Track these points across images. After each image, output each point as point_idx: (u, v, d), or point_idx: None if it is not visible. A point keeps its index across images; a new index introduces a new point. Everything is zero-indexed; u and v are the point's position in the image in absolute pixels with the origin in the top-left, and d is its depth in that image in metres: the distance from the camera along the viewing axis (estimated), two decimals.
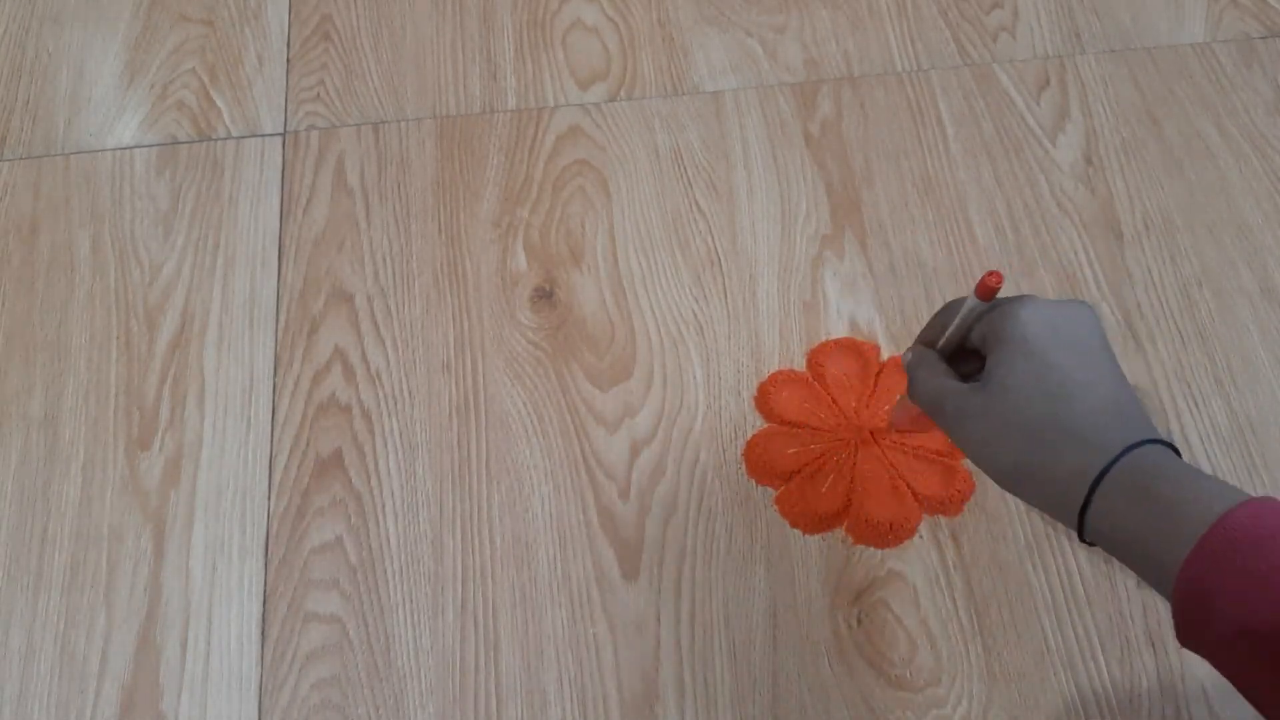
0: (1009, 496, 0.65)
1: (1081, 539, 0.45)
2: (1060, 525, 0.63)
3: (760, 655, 0.61)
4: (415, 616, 0.63)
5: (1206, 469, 0.65)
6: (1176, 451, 0.45)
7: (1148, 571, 0.43)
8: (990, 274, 0.46)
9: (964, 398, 0.48)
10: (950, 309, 0.52)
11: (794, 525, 0.64)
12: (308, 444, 0.67)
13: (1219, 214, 0.75)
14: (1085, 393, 0.45)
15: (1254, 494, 0.40)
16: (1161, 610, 0.62)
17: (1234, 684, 0.40)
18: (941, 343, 0.52)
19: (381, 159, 0.77)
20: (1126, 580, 0.63)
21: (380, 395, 0.69)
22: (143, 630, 0.62)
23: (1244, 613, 0.38)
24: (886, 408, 0.67)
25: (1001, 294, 0.49)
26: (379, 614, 0.63)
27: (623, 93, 0.80)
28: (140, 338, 0.71)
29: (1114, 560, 0.62)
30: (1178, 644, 0.43)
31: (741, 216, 0.75)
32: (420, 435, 0.67)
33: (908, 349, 0.54)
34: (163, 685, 0.61)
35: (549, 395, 0.69)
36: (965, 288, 0.72)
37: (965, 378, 0.51)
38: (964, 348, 0.52)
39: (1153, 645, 0.61)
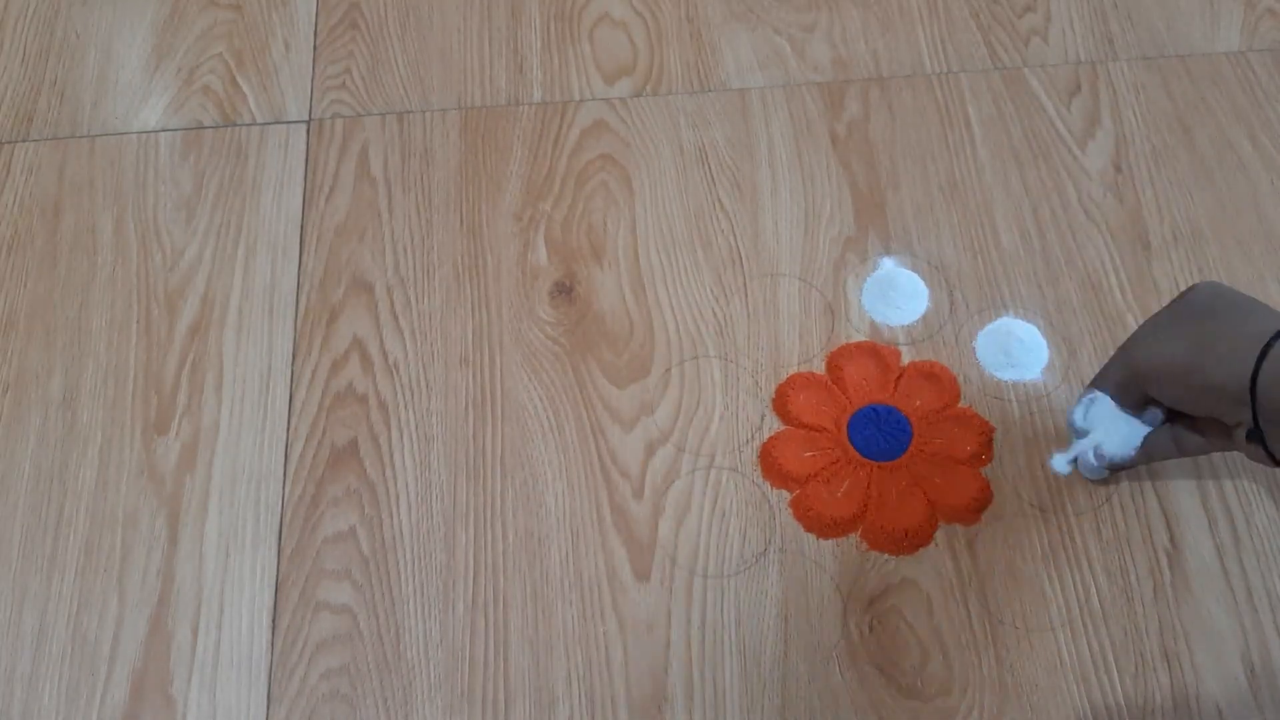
0: (1026, 505, 0.64)
1: (1253, 408, 0.52)
2: (1078, 537, 0.63)
3: (770, 659, 0.61)
4: (426, 609, 0.62)
5: (1233, 477, 0.64)
6: None
7: None
8: None
9: (1150, 319, 0.60)
10: None
11: (808, 530, 0.64)
12: (324, 433, 0.67)
13: (1249, 226, 0.74)
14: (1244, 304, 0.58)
15: None
16: (1177, 626, 0.61)
17: None
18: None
19: (405, 149, 0.77)
20: (1143, 595, 0.62)
21: (397, 386, 0.69)
22: (154, 615, 0.63)
23: None
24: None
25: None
26: (390, 606, 0.63)
27: (649, 88, 0.80)
28: (160, 322, 0.71)
29: (1130, 575, 0.62)
30: None
31: (765, 216, 0.74)
32: (436, 427, 0.67)
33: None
34: (173, 670, 0.61)
35: (566, 391, 0.68)
36: (990, 293, 0.71)
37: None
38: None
39: (1168, 662, 0.60)
